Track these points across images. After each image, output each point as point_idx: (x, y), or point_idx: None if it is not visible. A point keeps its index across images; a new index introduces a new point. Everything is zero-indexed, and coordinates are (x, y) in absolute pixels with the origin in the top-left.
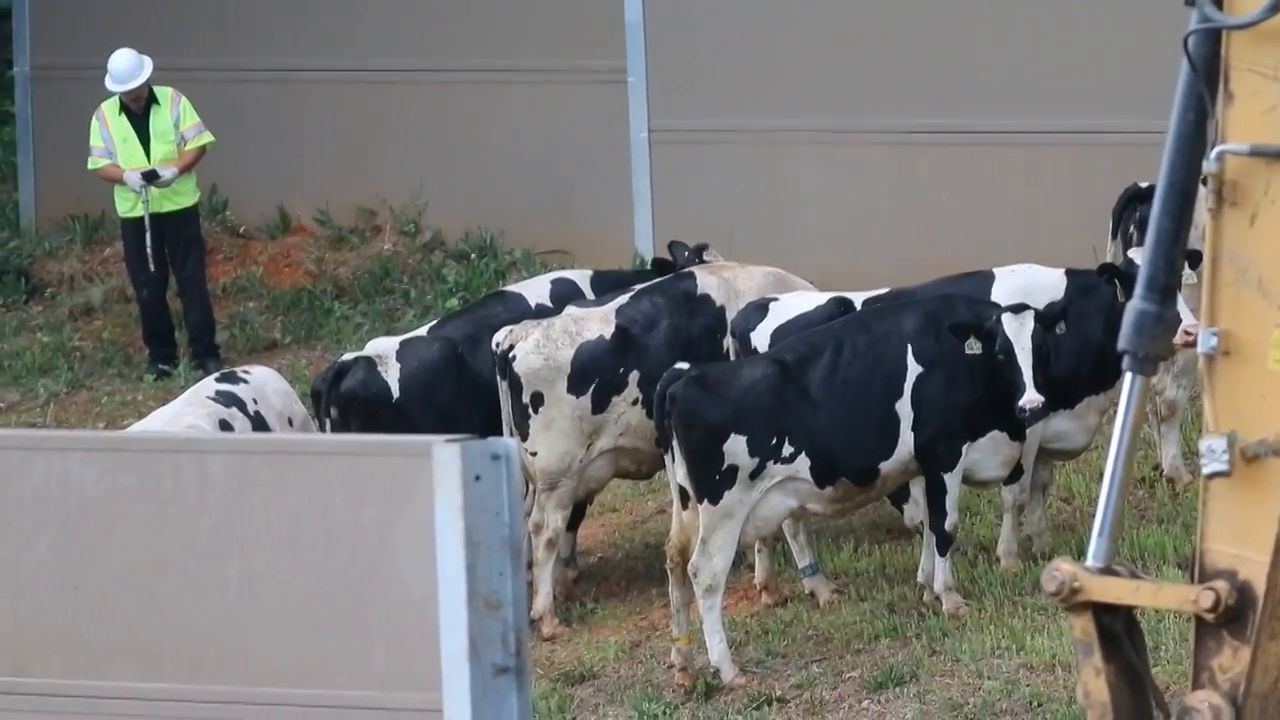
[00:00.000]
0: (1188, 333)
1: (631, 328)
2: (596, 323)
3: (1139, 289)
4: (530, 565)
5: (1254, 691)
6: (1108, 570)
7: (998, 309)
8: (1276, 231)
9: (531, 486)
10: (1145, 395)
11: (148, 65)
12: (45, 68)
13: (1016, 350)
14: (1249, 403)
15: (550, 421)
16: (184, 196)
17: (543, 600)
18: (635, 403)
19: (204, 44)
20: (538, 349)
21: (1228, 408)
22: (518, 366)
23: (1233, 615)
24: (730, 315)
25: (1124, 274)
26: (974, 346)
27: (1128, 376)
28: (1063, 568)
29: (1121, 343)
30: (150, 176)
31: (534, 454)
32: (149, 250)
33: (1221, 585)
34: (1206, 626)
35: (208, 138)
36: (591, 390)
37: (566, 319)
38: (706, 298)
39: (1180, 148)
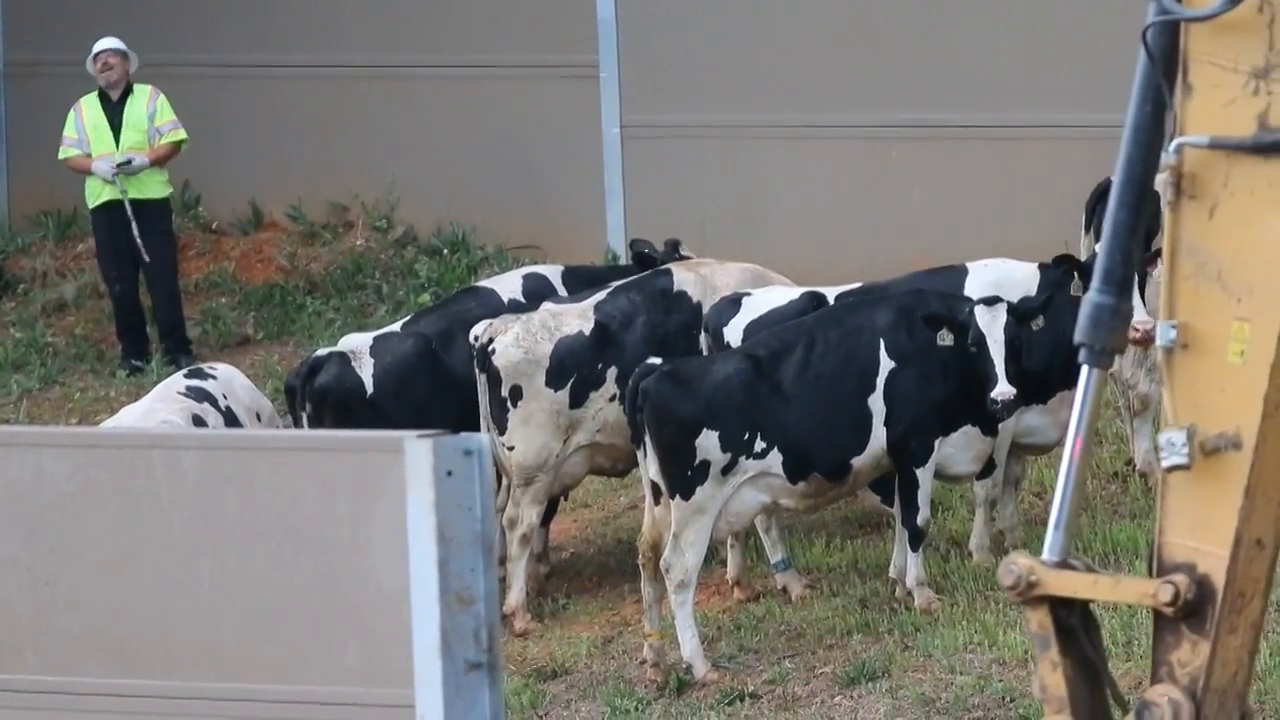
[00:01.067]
0: (1136, 328)
1: (610, 324)
2: (575, 318)
3: (1095, 281)
4: (503, 561)
5: (1213, 686)
6: (1064, 564)
7: (970, 302)
8: (1235, 224)
9: (505, 481)
10: (1102, 388)
11: (123, 45)
12: (18, 64)
13: (989, 342)
14: (1208, 396)
15: (528, 416)
16: (153, 189)
17: (515, 596)
18: (612, 399)
19: (177, 39)
20: (517, 342)
21: (1187, 401)
22: (497, 360)
23: (1192, 609)
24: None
25: (1082, 265)
26: (946, 338)
27: (1084, 369)
28: (1019, 562)
29: (1078, 335)
30: (123, 164)
31: (511, 448)
32: (136, 238)
33: (1180, 579)
34: (1165, 621)
35: (182, 135)
36: (570, 385)
37: (545, 314)
38: (683, 294)
39: (1138, 140)
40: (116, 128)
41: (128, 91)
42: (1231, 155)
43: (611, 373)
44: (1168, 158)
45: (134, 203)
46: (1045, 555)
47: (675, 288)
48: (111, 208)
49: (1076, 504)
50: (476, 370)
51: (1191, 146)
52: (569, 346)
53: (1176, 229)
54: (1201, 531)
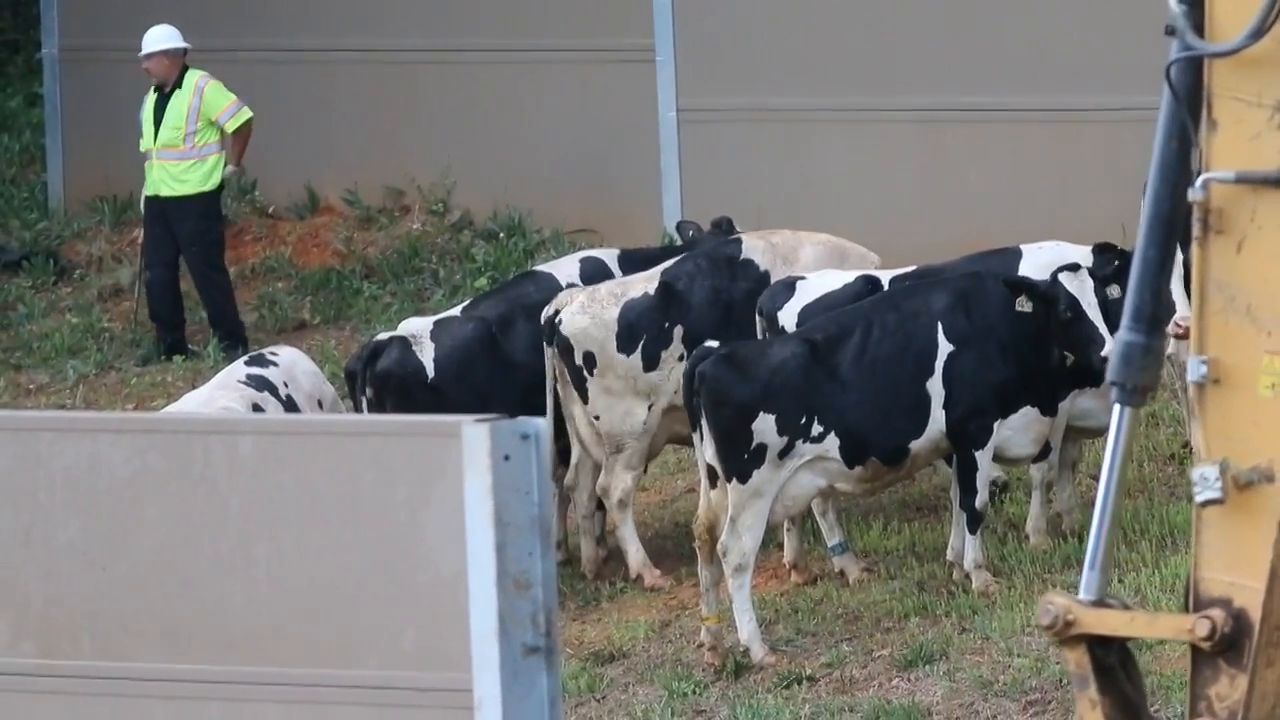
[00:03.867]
0: (1179, 324)
1: (675, 283)
2: (641, 282)
3: (1125, 320)
4: (560, 544)
5: (1251, 719)
6: (1101, 603)
7: (1033, 282)
8: (1263, 258)
9: (574, 458)
10: (1134, 427)
11: (174, 39)
12: (74, 49)
13: (1084, 306)
14: (1240, 429)
15: (607, 384)
16: (185, 184)
17: (634, 557)
18: (681, 358)
19: (232, 24)
20: (583, 309)
21: (1219, 435)
22: (565, 328)
23: (1229, 643)
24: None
25: (1124, 253)
26: (1024, 305)
27: (1116, 408)
28: (1056, 601)
29: (1109, 375)
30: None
31: (597, 417)
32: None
33: (1217, 613)
34: (1203, 655)
35: (245, 114)
36: (640, 347)
37: (612, 283)
38: (750, 262)
39: (1165, 177)
40: (158, 123)
41: (178, 84)
42: (1258, 189)
43: (678, 332)
44: (1195, 194)
45: (160, 199)
46: (1081, 594)
47: (743, 255)
48: (151, 201)
49: (1111, 542)
50: (545, 344)
51: (1218, 182)
52: (635, 308)
53: (1205, 264)
54: (1237, 565)
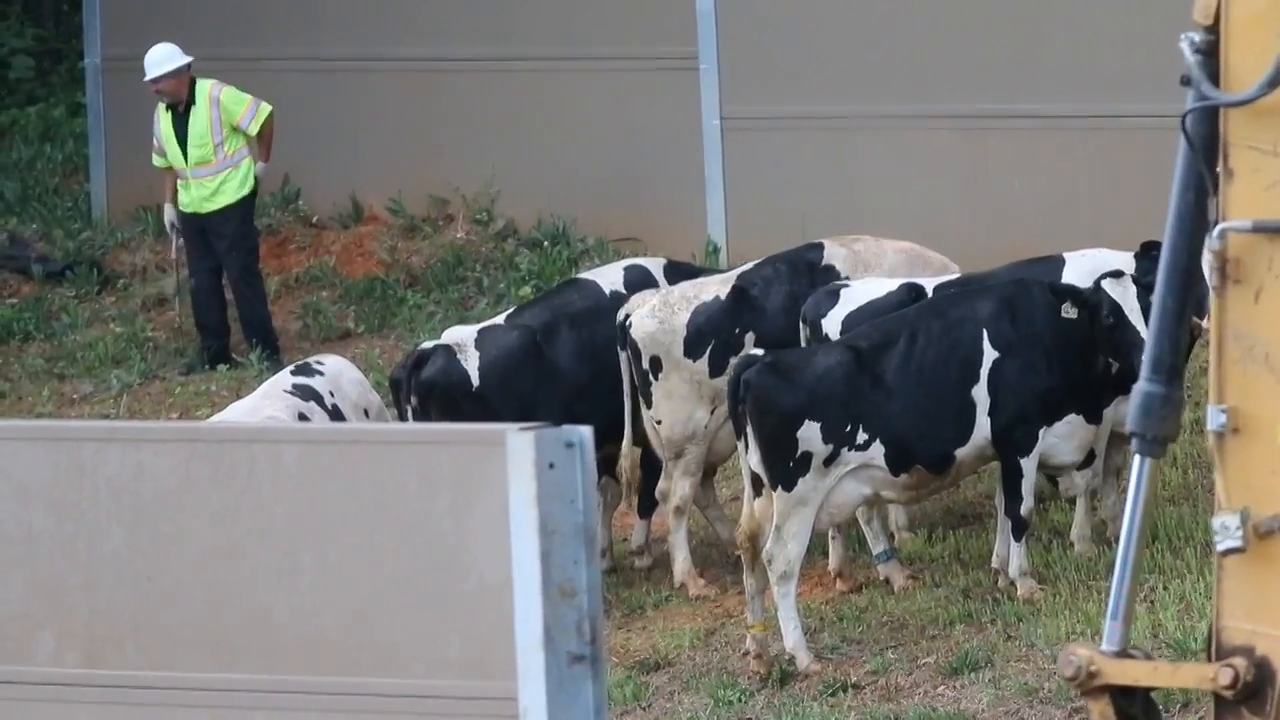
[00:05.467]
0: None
1: (749, 289)
2: (715, 285)
3: (1145, 370)
4: (604, 553)
5: None
6: (1123, 653)
7: (1078, 288)
8: None
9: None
10: (1155, 477)
11: (177, 57)
12: (116, 59)
13: (1126, 311)
14: (1260, 478)
15: (671, 388)
16: (223, 195)
17: (680, 565)
18: None
19: (275, 34)
20: (653, 313)
21: (1239, 484)
22: (634, 332)
23: (1251, 692)
24: None
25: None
26: (1070, 311)
27: (1136, 459)
28: (1079, 653)
29: (1129, 425)
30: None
31: (659, 422)
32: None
33: (1239, 662)
34: (1225, 704)
35: (264, 112)
36: (708, 352)
37: (687, 284)
38: (831, 268)
39: (1181, 227)
40: (183, 141)
41: (190, 99)
42: (1275, 239)
43: (749, 339)
44: (1212, 243)
45: (200, 215)
46: (1104, 645)
47: (824, 261)
48: (190, 216)
49: (1133, 592)
50: (619, 348)
51: (1235, 231)
52: (705, 313)
53: (1223, 314)
54: (1259, 614)
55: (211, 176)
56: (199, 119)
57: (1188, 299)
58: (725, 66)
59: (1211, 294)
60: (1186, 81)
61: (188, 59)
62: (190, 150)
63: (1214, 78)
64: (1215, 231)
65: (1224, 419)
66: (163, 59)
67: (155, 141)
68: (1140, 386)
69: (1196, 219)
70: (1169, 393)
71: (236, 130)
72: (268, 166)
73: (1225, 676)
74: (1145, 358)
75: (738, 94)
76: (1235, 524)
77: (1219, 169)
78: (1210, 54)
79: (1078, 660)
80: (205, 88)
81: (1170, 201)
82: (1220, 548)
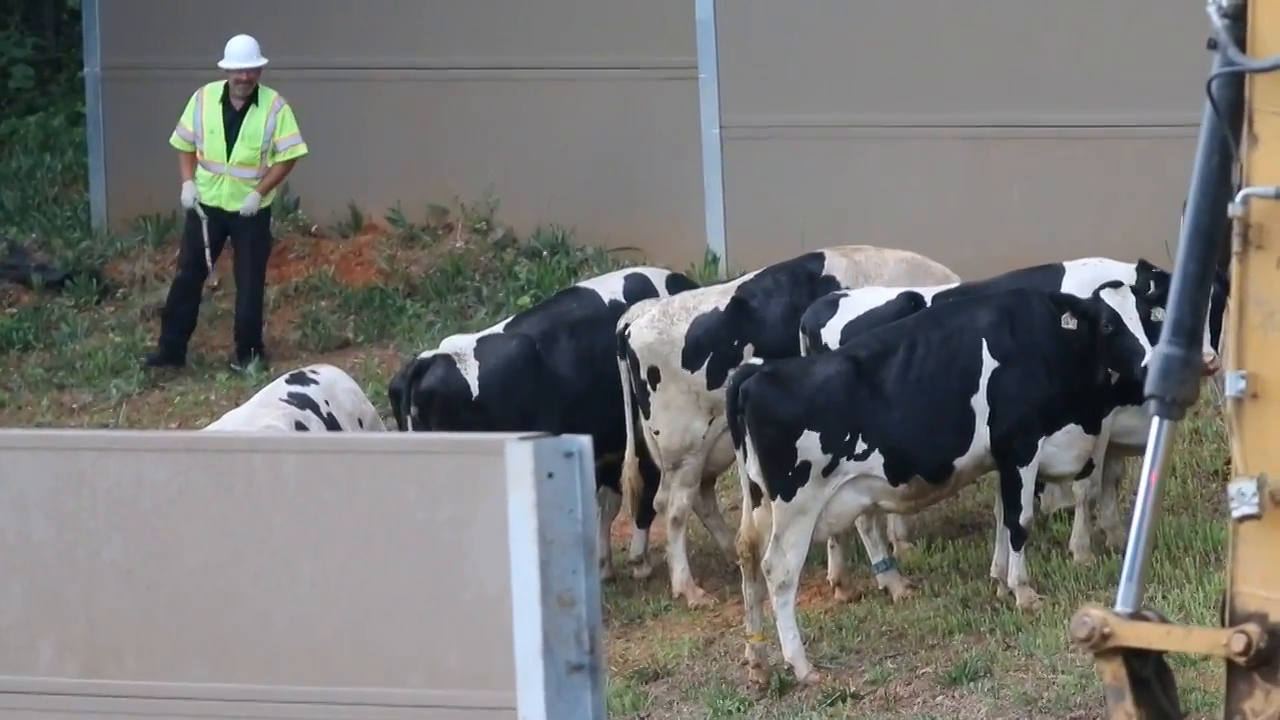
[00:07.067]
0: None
1: (749, 300)
2: (715, 296)
3: (1165, 333)
4: (602, 563)
5: None
6: (1137, 615)
7: (1077, 299)
8: None
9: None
10: (1172, 440)
11: (260, 56)
12: (116, 68)
13: (1125, 320)
14: (1278, 445)
15: (668, 398)
16: (241, 201)
17: (678, 577)
18: None
19: (275, 43)
20: (652, 324)
21: (1256, 450)
22: (633, 342)
23: (1264, 658)
24: None
25: (1160, 274)
26: (1069, 321)
27: (1154, 421)
28: (1093, 614)
29: (1148, 388)
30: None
31: (657, 432)
32: (205, 247)
33: (1252, 628)
34: (1238, 670)
35: (300, 150)
36: (706, 364)
37: (687, 295)
38: (831, 279)
39: (1205, 192)
40: (232, 138)
41: (253, 99)
42: None
43: (748, 350)
44: (1234, 209)
45: (225, 212)
46: (1118, 607)
47: (824, 272)
48: (215, 211)
49: (1149, 554)
50: (618, 358)
51: (1258, 197)
52: (704, 324)
53: (1244, 279)
54: (1273, 580)
55: (249, 180)
56: (255, 121)
57: (1210, 264)
58: (725, 76)
59: (1234, 259)
60: (1213, 45)
61: (265, 60)
62: (238, 148)
63: (1240, 43)
64: (1238, 197)
65: (1243, 384)
66: (251, 52)
67: (187, 127)
68: (1160, 349)
69: (1220, 184)
70: (1188, 355)
71: (272, 144)
72: (259, 199)
73: (1238, 643)
74: (1165, 320)
75: (737, 103)
76: (1251, 490)
77: (1244, 134)
78: (1238, 18)
79: (1091, 621)
80: (270, 95)
81: (1194, 166)
82: (1236, 514)
